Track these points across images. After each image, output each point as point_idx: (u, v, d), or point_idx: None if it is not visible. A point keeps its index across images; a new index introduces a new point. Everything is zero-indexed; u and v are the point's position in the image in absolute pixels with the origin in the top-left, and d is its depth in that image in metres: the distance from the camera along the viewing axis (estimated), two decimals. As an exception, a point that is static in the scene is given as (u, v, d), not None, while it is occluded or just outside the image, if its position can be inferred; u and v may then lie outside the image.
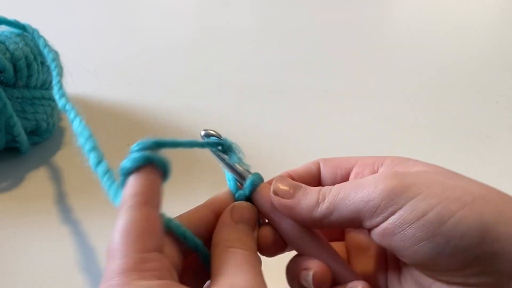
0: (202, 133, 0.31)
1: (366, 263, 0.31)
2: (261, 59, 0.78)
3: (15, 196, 0.46)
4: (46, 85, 0.52)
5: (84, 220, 0.44)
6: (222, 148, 0.31)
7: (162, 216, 0.27)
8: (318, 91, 0.67)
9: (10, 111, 0.47)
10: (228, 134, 0.55)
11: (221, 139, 0.31)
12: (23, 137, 0.49)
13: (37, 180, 0.48)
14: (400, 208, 0.24)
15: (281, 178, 0.30)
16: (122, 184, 0.27)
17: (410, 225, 0.24)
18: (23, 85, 0.49)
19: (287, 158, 0.51)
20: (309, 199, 0.28)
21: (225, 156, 0.31)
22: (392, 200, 0.25)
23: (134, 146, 0.28)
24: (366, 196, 0.25)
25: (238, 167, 0.31)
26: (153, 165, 0.28)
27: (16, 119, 0.48)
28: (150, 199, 0.26)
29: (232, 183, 0.31)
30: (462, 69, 0.75)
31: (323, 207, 0.27)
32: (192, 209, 0.30)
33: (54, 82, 0.44)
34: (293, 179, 0.31)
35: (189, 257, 0.28)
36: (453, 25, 0.95)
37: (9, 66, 0.47)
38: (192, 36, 0.87)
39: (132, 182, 0.27)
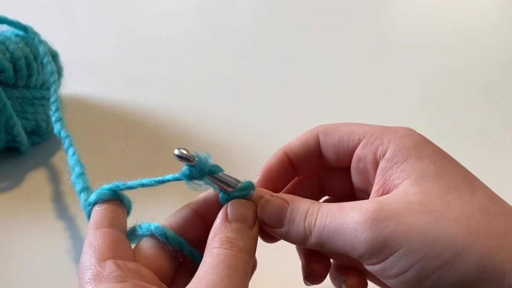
0: (176, 152, 0.29)
1: None
2: (261, 59, 0.78)
3: (15, 196, 0.46)
4: (46, 85, 0.52)
5: (84, 220, 0.44)
6: (195, 173, 0.29)
7: (143, 223, 0.30)
8: (318, 91, 0.67)
9: (10, 111, 0.47)
10: (228, 134, 0.56)
11: (192, 162, 0.29)
12: (23, 137, 0.49)
13: (37, 180, 0.48)
14: (381, 261, 0.25)
15: (264, 204, 0.29)
16: (89, 214, 0.31)
17: (391, 279, 0.25)
18: (23, 85, 0.49)
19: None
20: (297, 231, 0.28)
21: (200, 182, 0.30)
22: (374, 253, 0.25)
23: (102, 187, 0.31)
24: (350, 242, 0.26)
25: (226, 178, 0.30)
26: (115, 200, 0.31)
27: (16, 119, 0.48)
28: (111, 223, 0.29)
29: (221, 194, 0.30)
30: (462, 69, 0.75)
31: (312, 242, 0.27)
32: (176, 211, 0.31)
33: (51, 100, 0.45)
34: (289, 159, 0.32)
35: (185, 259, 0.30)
36: (453, 25, 0.95)
37: (9, 66, 0.47)
38: (192, 36, 0.87)
39: (95, 211, 0.30)
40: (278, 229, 0.29)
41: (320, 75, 0.73)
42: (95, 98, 0.62)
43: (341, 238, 0.26)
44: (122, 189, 0.31)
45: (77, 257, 0.40)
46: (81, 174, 0.36)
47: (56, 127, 0.42)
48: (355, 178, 0.31)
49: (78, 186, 0.35)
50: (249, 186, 0.30)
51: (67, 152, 0.39)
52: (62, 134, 0.40)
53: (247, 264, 0.27)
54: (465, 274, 0.23)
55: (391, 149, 0.28)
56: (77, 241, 0.42)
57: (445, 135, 0.57)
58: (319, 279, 0.32)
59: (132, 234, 0.30)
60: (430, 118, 0.61)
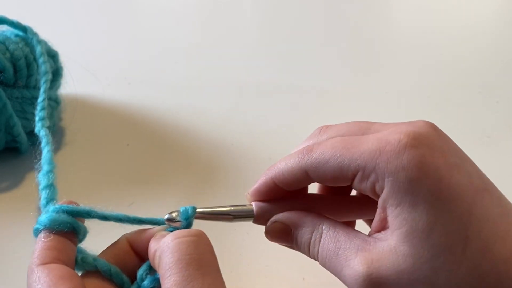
0: (166, 217, 0.30)
1: None
2: (261, 59, 0.78)
3: (15, 196, 0.46)
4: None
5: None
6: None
7: (87, 256, 0.29)
8: (318, 91, 0.67)
9: (10, 111, 0.47)
10: (228, 134, 0.56)
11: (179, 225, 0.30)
12: (23, 137, 0.49)
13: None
14: None
15: (269, 231, 0.31)
16: (37, 233, 0.29)
17: None
18: (23, 85, 0.48)
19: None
20: (303, 250, 0.30)
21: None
22: None
23: (55, 207, 0.30)
24: (349, 284, 0.27)
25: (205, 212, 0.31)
26: (67, 232, 0.29)
27: (16, 119, 0.48)
28: (57, 258, 0.27)
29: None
30: (462, 69, 0.75)
31: (318, 262, 0.30)
32: (113, 243, 0.31)
33: (39, 99, 0.45)
34: (280, 188, 0.31)
35: None
36: (453, 25, 0.95)
37: (9, 66, 0.47)
38: (192, 36, 0.87)
39: (41, 243, 0.28)
40: (290, 246, 0.31)
41: (320, 75, 0.73)
42: (95, 98, 0.62)
43: (342, 281, 0.28)
44: (86, 217, 0.30)
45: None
46: (48, 172, 0.35)
47: (37, 126, 0.41)
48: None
49: (42, 183, 0.33)
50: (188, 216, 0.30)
51: (42, 150, 0.38)
52: (41, 133, 0.40)
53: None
54: None
55: (386, 190, 0.27)
56: (77, 241, 0.42)
57: (445, 135, 0.56)
58: None
59: (77, 267, 0.29)
60: (429, 118, 0.60)
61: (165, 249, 0.27)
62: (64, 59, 0.54)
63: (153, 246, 0.29)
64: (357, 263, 0.27)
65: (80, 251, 0.30)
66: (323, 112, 0.62)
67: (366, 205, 0.31)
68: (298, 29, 0.92)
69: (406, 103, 0.65)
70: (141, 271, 0.29)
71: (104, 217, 0.30)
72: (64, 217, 0.29)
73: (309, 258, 0.31)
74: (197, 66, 0.74)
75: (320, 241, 0.29)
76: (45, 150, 0.38)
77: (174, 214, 0.30)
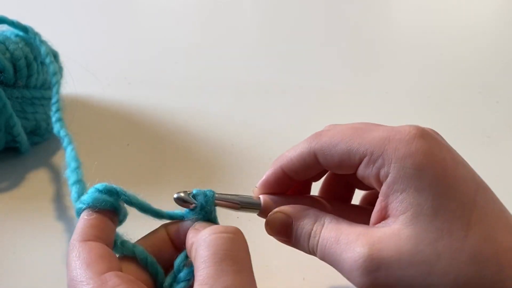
0: (175, 196, 0.31)
1: None
2: (261, 59, 0.78)
3: (15, 196, 0.46)
4: (46, 85, 0.52)
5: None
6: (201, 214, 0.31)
7: (127, 242, 0.29)
8: (318, 91, 0.67)
9: (10, 111, 0.47)
10: (228, 134, 0.56)
11: (193, 207, 0.31)
12: (23, 137, 0.49)
13: (37, 180, 0.48)
14: None
15: (270, 222, 0.31)
16: (79, 212, 0.29)
17: None
18: (23, 85, 0.48)
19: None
20: (303, 248, 0.30)
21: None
22: None
23: (99, 186, 0.30)
24: (347, 276, 0.27)
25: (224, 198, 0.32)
26: (109, 211, 0.30)
27: (16, 119, 0.48)
28: (98, 237, 0.28)
29: None
30: (462, 69, 0.75)
31: (316, 255, 0.29)
32: (152, 231, 0.32)
33: (53, 100, 0.45)
34: (287, 174, 0.32)
35: None
36: (453, 25, 0.95)
37: (9, 66, 0.47)
38: (192, 36, 0.87)
39: (84, 220, 0.29)
40: (287, 241, 0.31)
41: (320, 75, 0.73)
42: (95, 98, 0.62)
43: (340, 269, 0.28)
44: (126, 201, 0.30)
45: (77, 257, 0.40)
46: (76, 169, 0.35)
47: (56, 127, 0.42)
48: (360, 184, 0.32)
49: (72, 179, 0.34)
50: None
51: (66, 149, 0.38)
52: (62, 133, 0.41)
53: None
54: None
55: (392, 175, 0.27)
56: (77, 241, 0.42)
57: (445, 135, 0.56)
58: None
59: (115, 249, 0.29)
60: (429, 118, 0.61)
61: (202, 242, 0.27)
62: (64, 59, 0.54)
63: (190, 237, 0.29)
64: (358, 245, 0.27)
65: (119, 236, 0.30)
66: (323, 112, 0.62)
67: (366, 213, 0.31)
68: (298, 29, 0.92)
69: (406, 103, 0.65)
70: (178, 261, 0.29)
71: (142, 208, 0.31)
72: (106, 196, 0.29)
73: (310, 259, 0.31)
74: (197, 66, 0.74)
75: (321, 231, 0.29)
76: (69, 148, 0.38)
77: (182, 194, 0.31)
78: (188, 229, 0.30)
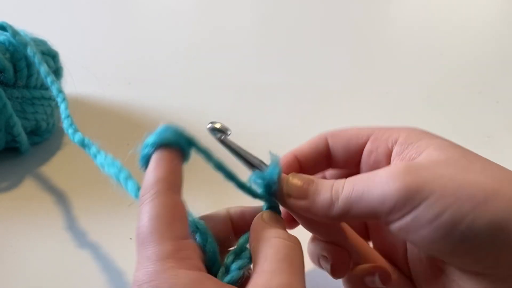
0: (209, 126, 0.31)
1: (385, 240, 0.32)
2: (261, 59, 0.78)
3: (15, 196, 0.46)
4: (46, 85, 0.52)
5: (84, 220, 0.44)
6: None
7: (189, 214, 0.28)
8: (318, 91, 0.67)
9: (10, 111, 0.47)
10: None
11: (227, 133, 0.31)
12: (23, 137, 0.49)
13: (37, 180, 0.48)
14: (414, 209, 0.25)
15: (292, 177, 0.30)
16: (146, 159, 0.28)
17: (425, 226, 0.25)
18: (23, 85, 0.48)
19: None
20: (323, 199, 0.28)
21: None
22: (407, 201, 0.25)
23: (163, 127, 0.29)
24: (381, 195, 0.26)
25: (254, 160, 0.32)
26: (178, 148, 0.28)
27: (16, 119, 0.48)
28: (174, 185, 0.27)
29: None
30: (462, 69, 0.75)
31: (339, 207, 0.27)
32: (216, 211, 0.32)
33: (63, 115, 0.43)
34: (299, 161, 0.32)
35: None
36: (453, 25, 0.95)
37: (9, 66, 0.47)
38: (192, 36, 0.87)
39: (157, 165, 0.27)
40: (303, 201, 0.29)
41: (320, 75, 0.73)
42: (95, 98, 0.62)
43: (371, 194, 0.26)
44: (190, 143, 0.29)
45: (77, 257, 0.40)
46: (121, 169, 0.33)
47: (77, 137, 0.40)
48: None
49: (122, 176, 0.32)
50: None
51: (96, 157, 0.37)
52: (86, 141, 0.39)
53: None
54: (497, 215, 0.24)
55: (403, 136, 0.29)
56: (77, 241, 0.42)
57: (445, 135, 0.56)
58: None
59: None
60: (430, 118, 0.61)
61: (266, 240, 0.27)
62: (64, 59, 0.54)
63: (255, 228, 0.29)
64: (394, 164, 0.28)
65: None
66: (324, 112, 0.62)
67: None
68: (298, 29, 0.92)
69: (406, 103, 0.65)
70: (242, 240, 0.29)
71: (207, 155, 0.30)
72: (178, 133, 0.29)
73: (309, 262, 0.30)
74: (197, 66, 0.74)
75: (346, 179, 0.28)
76: (101, 155, 0.36)
77: (217, 126, 0.31)
78: (253, 216, 0.30)
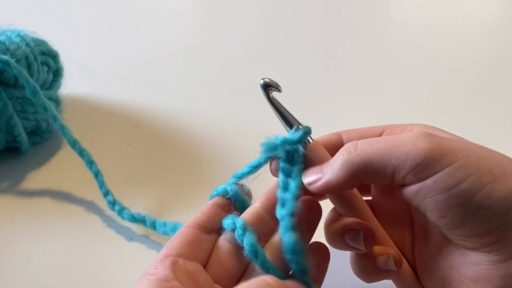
0: (261, 82, 0.34)
1: (394, 227, 0.33)
2: (261, 59, 0.78)
3: (15, 196, 0.46)
4: (46, 85, 0.52)
5: (84, 220, 0.44)
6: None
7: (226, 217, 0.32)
8: (318, 91, 0.67)
9: (10, 111, 0.47)
10: (228, 134, 0.56)
11: (279, 89, 0.36)
12: (23, 137, 0.49)
13: (37, 180, 0.48)
14: (436, 173, 0.25)
15: (314, 145, 0.32)
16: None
17: (443, 192, 0.25)
18: (23, 85, 0.48)
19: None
20: (337, 158, 0.29)
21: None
22: (431, 162, 0.26)
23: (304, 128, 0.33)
24: (405, 152, 0.26)
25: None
26: (227, 202, 0.34)
27: (16, 119, 0.48)
28: (202, 225, 0.32)
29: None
30: (462, 69, 0.75)
31: (355, 160, 0.28)
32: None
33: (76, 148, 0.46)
34: None
35: None
36: (453, 25, 0.95)
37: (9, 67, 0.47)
38: (192, 36, 0.87)
39: (203, 210, 0.33)
40: (320, 179, 0.30)
41: (320, 75, 0.73)
42: (95, 98, 0.62)
43: (394, 151, 0.26)
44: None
45: (77, 257, 0.40)
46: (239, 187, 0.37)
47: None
48: None
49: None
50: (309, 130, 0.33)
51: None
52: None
53: None
54: None
55: (417, 128, 0.31)
56: (77, 242, 0.42)
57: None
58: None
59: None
60: (430, 118, 0.61)
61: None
62: (64, 59, 0.54)
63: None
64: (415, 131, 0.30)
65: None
66: (324, 112, 0.62)
67: None
68: (298, 29, 0.92)
69: (406, 103, 0.65)
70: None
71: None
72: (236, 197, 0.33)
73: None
74: (197, 66, 0.74)
75: (363, 140, 0.28)
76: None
77: (269, 81, 0.35)
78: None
